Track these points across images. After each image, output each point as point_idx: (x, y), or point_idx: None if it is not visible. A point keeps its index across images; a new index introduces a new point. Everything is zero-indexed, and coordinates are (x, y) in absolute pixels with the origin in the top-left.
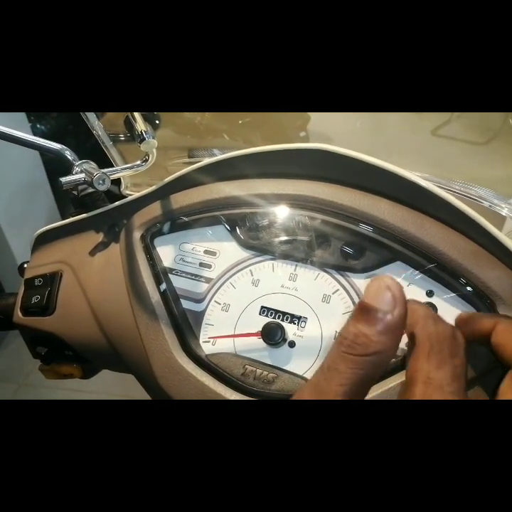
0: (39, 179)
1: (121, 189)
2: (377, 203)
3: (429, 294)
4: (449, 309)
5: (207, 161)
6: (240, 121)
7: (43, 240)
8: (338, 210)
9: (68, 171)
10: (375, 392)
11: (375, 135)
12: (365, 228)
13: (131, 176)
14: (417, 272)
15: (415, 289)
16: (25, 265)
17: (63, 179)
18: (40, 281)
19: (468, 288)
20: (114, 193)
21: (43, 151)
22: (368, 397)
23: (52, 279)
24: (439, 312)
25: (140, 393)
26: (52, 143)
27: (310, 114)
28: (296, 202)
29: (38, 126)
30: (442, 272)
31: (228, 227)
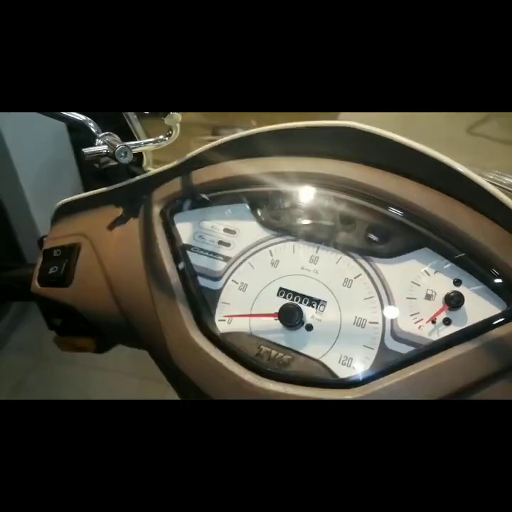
0: (65, 157)
1: (143, 165)
2: (407, 185)
3: (457, 283)
4: (477, 300)
5: (229, 137)
6: None
7: (64, 212)
8: (365, 192)
9: (92, 144)
10: (387, 383)
11: (406, 131)
12: (393, 212)
13: (153, 152)
14: (446, 259)
15: (442, 277)
16: (45, 238)
17: (86, 150)
18: (58, 252)
19: (499, 279)
20: (134, 171)
21: (67, 122)
22: (379, 388)
23: (70, 251)
24: (467, 302)
25: (153, 372)
26: (77, 114)
27: None
28: (322, 181)
29: None
30: (472, 261)
31: (249, 206)
